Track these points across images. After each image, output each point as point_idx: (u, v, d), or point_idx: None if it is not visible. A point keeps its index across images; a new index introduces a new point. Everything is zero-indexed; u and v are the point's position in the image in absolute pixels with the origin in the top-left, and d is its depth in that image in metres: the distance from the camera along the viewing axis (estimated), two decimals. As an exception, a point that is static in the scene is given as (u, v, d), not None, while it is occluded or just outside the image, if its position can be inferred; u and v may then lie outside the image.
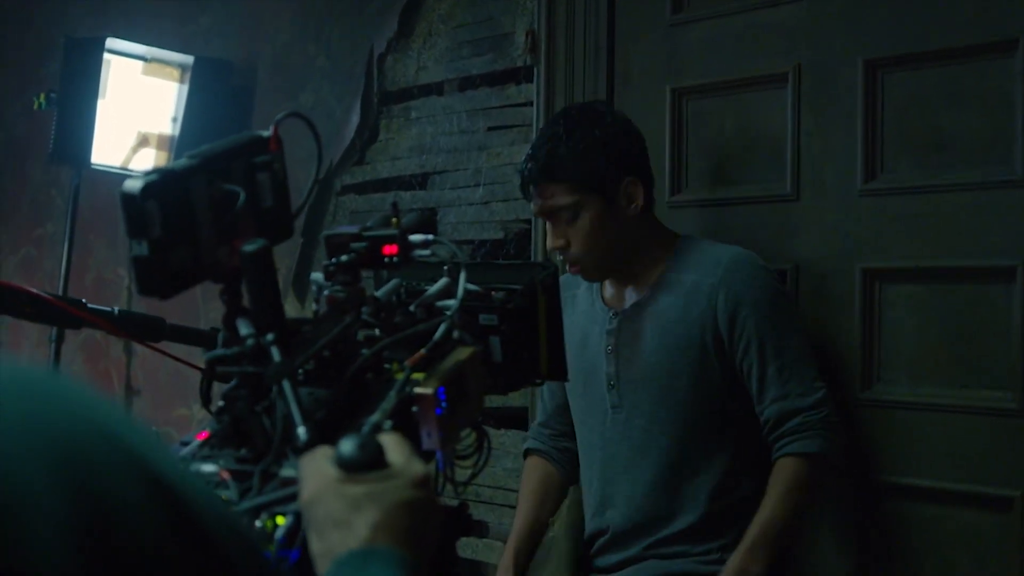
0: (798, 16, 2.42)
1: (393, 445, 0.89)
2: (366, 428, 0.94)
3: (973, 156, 2.19)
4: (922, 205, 2.24)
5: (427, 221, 1.16)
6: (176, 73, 3.70)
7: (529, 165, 2.18)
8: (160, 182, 0.89)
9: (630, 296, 2.26)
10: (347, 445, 0.86)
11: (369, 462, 0.86)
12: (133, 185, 0.88)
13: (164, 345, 1.50)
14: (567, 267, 2.22)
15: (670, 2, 2.64)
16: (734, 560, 2.05)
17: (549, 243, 2.23)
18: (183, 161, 0.92)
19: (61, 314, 1.45)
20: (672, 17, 2.65)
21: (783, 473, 2.09)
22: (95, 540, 0.49)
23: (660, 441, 2.17)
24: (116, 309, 1.52)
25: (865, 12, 2.32)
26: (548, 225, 2.22)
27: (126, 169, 3.66)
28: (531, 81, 2.91)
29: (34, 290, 1.40)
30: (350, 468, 0.85)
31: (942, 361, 2.23)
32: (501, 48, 3.01)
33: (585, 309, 2.32)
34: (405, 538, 0.83)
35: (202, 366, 1.43)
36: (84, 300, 1.46)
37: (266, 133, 1.03)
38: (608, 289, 2.31)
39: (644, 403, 2.19)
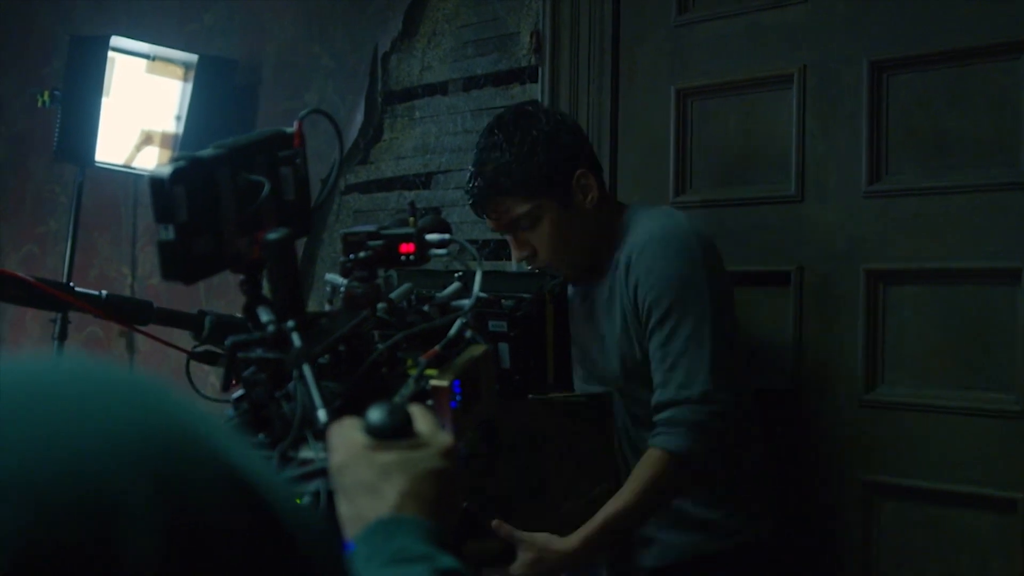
0: (803, 17, 2.44)
1: (421, 415, 0.91)
2: (396, 399, 0.96)
3: (978, 158, 2.21)
4: (926, 207, 2.26)
5: (443, 221, 1.18)
6: (180, 71, 3.71)
7: (476, 183, 2.10)
8: (188, 168, 0.90)
9: (589, 279, 2.19)
10: (376, 413, 0.88)
11: (398, 429, 0.88)
12: (162, 170, 0.89)
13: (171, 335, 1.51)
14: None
15: (675, 3, 2.66)
16: (570, 541, 1.96)
17: (515, 256, 2.12)
18: (210, 150, 0.94)
19: (48, 298, 1.46)
20: (677, 18, 2.66)
21: (644, 466, 1.99)
22: (183, 542, 0.50)
23: (628, 434, 2.15)
24: (103, 292, 1.53)
25: (870, 13, 2.34)
26: (510, 238, 2.14)
27: (129, 167, 3.67)
28: (535, 81, 2.92)
29: (20, 274, 1.41)
30: (380, 435, 0.87)
31: (946, 363, 2.25)
32: (506, 48, 3.02)
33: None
34: (431, 507, 0.85)
35: (189, 349, 1.45)
36: (72, 284, 1.48)
37: (290, 129, 1.05)
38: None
39: (603, 385, 2.14)
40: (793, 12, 2.45)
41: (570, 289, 2.28)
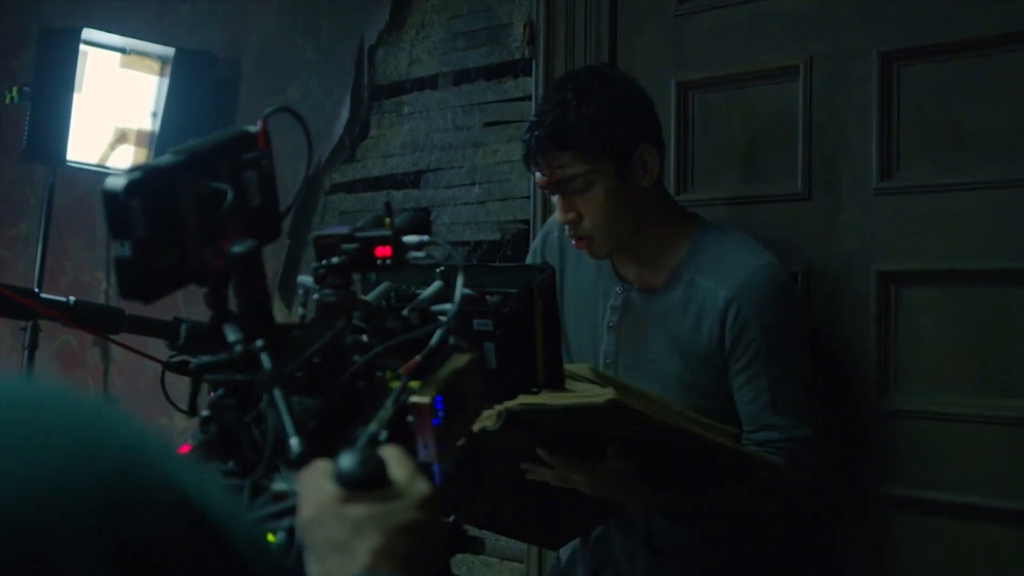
0: (810, 5, 2.42)
1: (396, 461, 0.89)
2: (362, 439, 0.93)
3: (994, 152, 2.19)
4: (941, 204, 2.24)
5: (421, 221, 1.16)
6: (156, 66, 3.70)
7: (535, 133, 2.09)
8: (144, 180, 0.88)
9: (641, 275, 2.22)
10: (348, 460, 0.85)
11: (371, 479, 0.85)
12: (116, 183, 0.87)
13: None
14: (573, 241, 2.17)
15: (675, -9, 2.65)
16: (656, 498, 2.07)
17: (558, 217, 2.15)
18: (167, 157, 0.92)
19: (12, 305, 1.45)
20: (677, 7, 2.65)
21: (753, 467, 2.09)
22: (131, 567, 0.51)
23: None
24: (71, 299, 1.52)
25: (880, 1, 2.32)
26: (556, 198, 2.14)
27: (103, 167, 3.65)
28: (529, 74, 2.91)
29: None
30: (351, 486, 0.85)
31: (963, 369, 2.23)
32: (498, 40, 3.01)
33: (591, 272, 2.28)
34: (407, 563, 0.83)
35: (163, 359, 1.44)
36: (37, 290, 1.47)
37: (254, 128, 1.03)
38: (618, 261, 2.26)
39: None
40: (799, 1, 2.44)
41: (578, 276, 2.27)
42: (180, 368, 1.56)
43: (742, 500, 2.10)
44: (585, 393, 1.81)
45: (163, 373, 1.41)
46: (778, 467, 2.05)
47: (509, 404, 1.76)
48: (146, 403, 3.99)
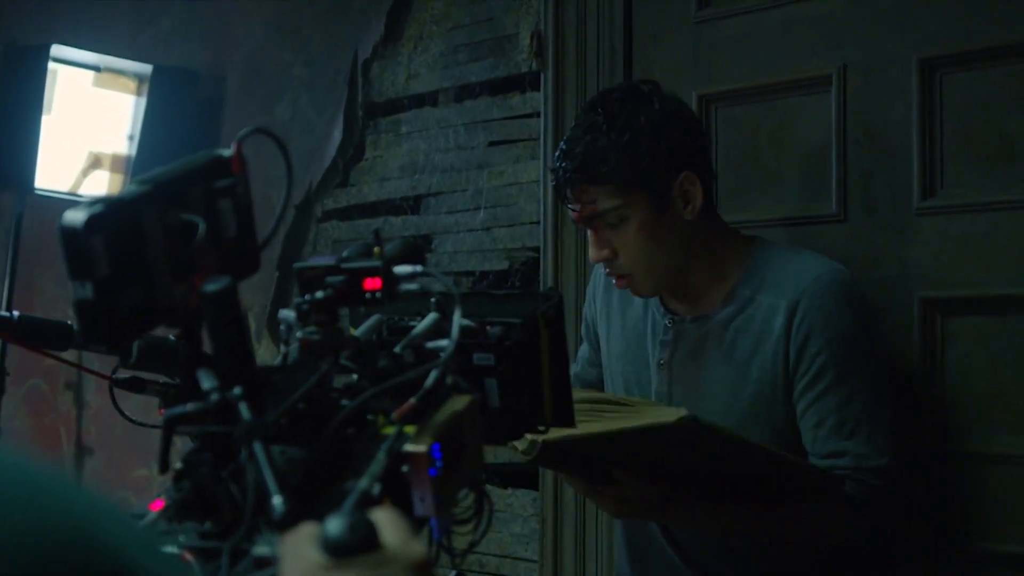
0: (844, 9, 2.43)
1: (388, 524, 0.88)
2: (352, 496, 0.93)
3: (1047, 168, 2.19)
4: (990, 224, 2.24)
5: (414, 250, 1.15)
6: (132, 84, 3.71)
7: (564, 164, 2.07)
8: (106, 214, 0.88)
9: (693, 305, 2.19)
10: (335, 525, 0.84)
11: (360, 545, 0.84)
12: (74, 218, 0.87)
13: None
14: (614, 281, 2.15)
15: (695, -4, 2.66)
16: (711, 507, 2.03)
17: (592, 255, 2.13)
18: (132, 188, 0.92)
19: None
20: (698, 13, 2.65)
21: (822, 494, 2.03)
22: None
23: None
24: (15, 313, 1.54)
25: (920, 3, 2.33)
26: (589, 233, 2.12)
27: (75, 195, 3.67)
28: (537, 89, 2.91)
29: None
30: (339, 553, 0.84)
31: (1017, 405, 2.22)
32: (503, 52, 3.02)
33: (639, 308, 2.27)
34: None
35: (114, 376, 1.47)
36: None
37: (228, 152, 1.03)
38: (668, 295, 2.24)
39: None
40: (832, 4, 2.44)
41: (626, 313, 2.26)
42: (129, 384, 1.60)
43: (799, 524, 2.04)
44: (648, 413, 1.79)
45: (111, 388, 1.42)
46: (845, 494, 1.98)
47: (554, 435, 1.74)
48: (123, 453, 3.99)
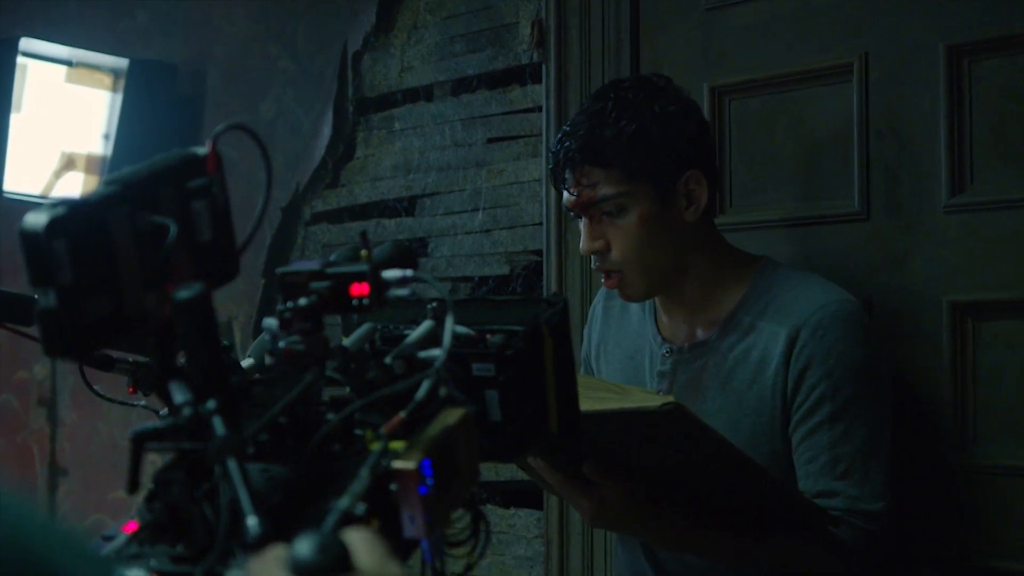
0: (863, -6, 2.43)
1: (362, 545, 0.88)
2: (332, 517, 0.92)
3: (1084, 161, 2.19)
4: (1022, 223, 2.23)
5: (404, 253, 1.15)
6: (108, 80, 3.72)
7: (566, 144, 2.09)
8: (70, 216, 0.88)
9: (689, 330, 2.20)
10: (304, 547, 0.84)
11: (330, 567, 0.84)
12: (36, 221, 0.86)
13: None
14: (602, 278, 2.17)
15: (706, -19, 2.66)
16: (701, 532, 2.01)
17: (583, 244, 2.14)
18: (99, 189, 0.91)
19: None
20: (709, 0, 2.65)
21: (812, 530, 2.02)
22: None
23: None
24: None
25: (946, -12, 2.33)
26: (583, 223, 2.14)
27: (47, 198, 3.67)
28: (539, 82, 2.92)
29: None
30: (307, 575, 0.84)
31: (1053, 415, 2.22)
32: (502, 42, 3.02)
33: (636, 330, 2.29)
34: None
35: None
36: None
37: (202, 151, 1.02)
38: (663, 316, 2.26)
39: None
40: (850, -12, 2.45)
41: (621, 341, 2.27)
42: (99, 362, 1.63)
43: (787, 559, 2.03)
44: (634, 398, 1.79)
45: (80, 367, 1.42)
46: (838, 538, 1.98)
47: None
48: (100, 473, 3.99)
